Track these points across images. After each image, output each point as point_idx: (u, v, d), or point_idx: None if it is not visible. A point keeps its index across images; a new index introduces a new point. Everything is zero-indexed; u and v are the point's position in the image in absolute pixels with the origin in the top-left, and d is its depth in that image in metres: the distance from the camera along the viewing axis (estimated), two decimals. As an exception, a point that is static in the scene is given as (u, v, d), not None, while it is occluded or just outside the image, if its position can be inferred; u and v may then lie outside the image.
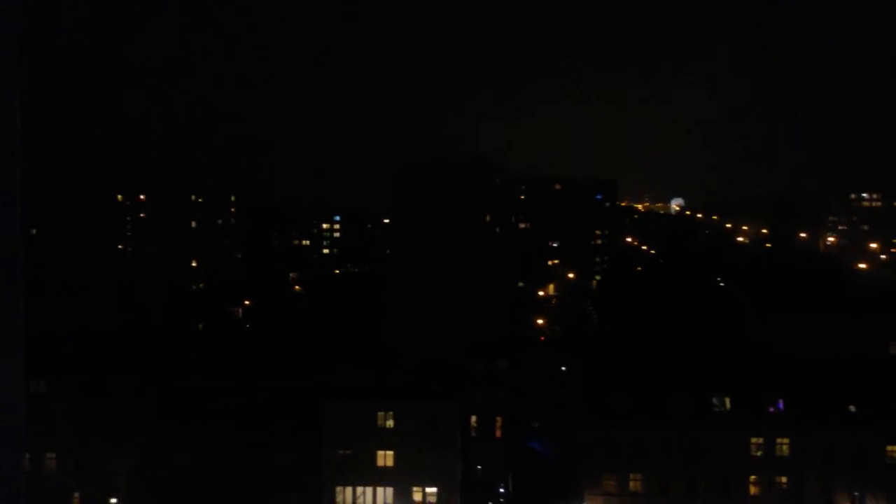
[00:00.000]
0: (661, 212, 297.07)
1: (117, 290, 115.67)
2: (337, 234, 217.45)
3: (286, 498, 65.44)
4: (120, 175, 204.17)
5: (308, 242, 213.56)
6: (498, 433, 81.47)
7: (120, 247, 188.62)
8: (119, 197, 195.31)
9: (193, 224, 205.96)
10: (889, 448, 61.93)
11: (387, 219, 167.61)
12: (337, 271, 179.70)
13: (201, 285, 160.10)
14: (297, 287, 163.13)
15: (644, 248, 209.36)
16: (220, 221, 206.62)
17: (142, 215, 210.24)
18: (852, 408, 62.97)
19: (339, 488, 66.41)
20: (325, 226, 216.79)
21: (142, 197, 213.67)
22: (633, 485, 63.44)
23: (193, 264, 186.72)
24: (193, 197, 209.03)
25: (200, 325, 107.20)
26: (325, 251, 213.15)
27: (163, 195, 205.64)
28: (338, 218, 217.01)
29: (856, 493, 62.05)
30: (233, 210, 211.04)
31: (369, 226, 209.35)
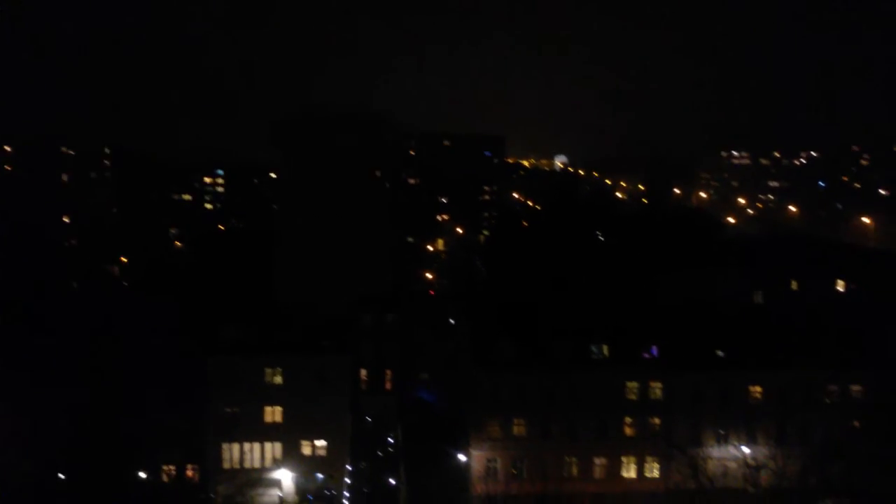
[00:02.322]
0: (546, 168, 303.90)
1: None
2: (221, 189, 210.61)
3: (171, 457, 64.34)
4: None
5: (190, 197, 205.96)
6: (388, 385, 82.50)
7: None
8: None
9: (65, 178, 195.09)
10: (751, 388, 66.87)
11: (273, 173, 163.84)
12: (221, 227, 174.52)
13: (74, 242, 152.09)
14: (178, 243, 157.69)
15: (530, 203, 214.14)
16: (93, 175, 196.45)
17: (7, 168, 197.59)
18: (719, 352, 67.40)
19: (225, 445, 65.82)
20: (207, 180, 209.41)
21: (7, 149, 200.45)
22: (517, 429, 65.94)
23: (66, 220, 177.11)
24: (64, 149, 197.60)
25: (75, 284, 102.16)
26: (208, 206, 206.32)
27: (30, 147, 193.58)
28: (221, 172, 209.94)
29: (721, 431, 66.83)
30: (107, 163, 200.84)
31: (255, 180, 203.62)
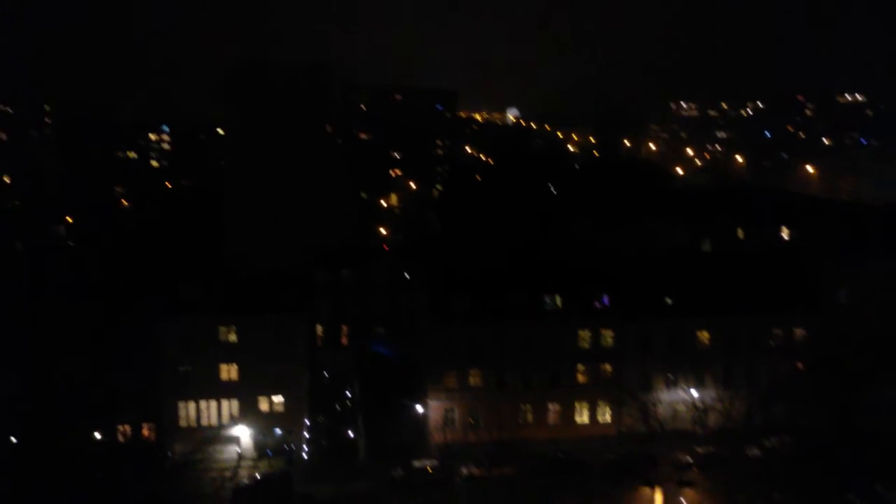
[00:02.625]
0: (499, 122, 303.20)
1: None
2: (167, 147, 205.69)
3: (126, 417, 63.95)
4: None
5: (135, 155, 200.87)
6: (344, 341, 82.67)
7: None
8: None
9: (4, 136, 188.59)
10: (699, 334, 68.80)
11: (221, 129, 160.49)
12: (168, 185, 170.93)
13: (17, 203, 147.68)
14: (125, 202, 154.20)
15: (482, 157, 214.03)
16: (34, 133, 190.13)
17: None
18: (669, 300, 69.03)
19: (181, 404, 65.58)
20: (153, 137, 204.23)
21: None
22: (473, 380, 67.00)
23: (6, 180, 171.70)
24: (2, 107, 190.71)
25: (19, 245, 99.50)
26: (155, 164, 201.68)
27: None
28: (166, 128, 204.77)
29: (670, 376, 68.82)
30: (48, 121, 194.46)
31: (202, 136, 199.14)
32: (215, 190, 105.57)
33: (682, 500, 58.19)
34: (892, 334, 65.13)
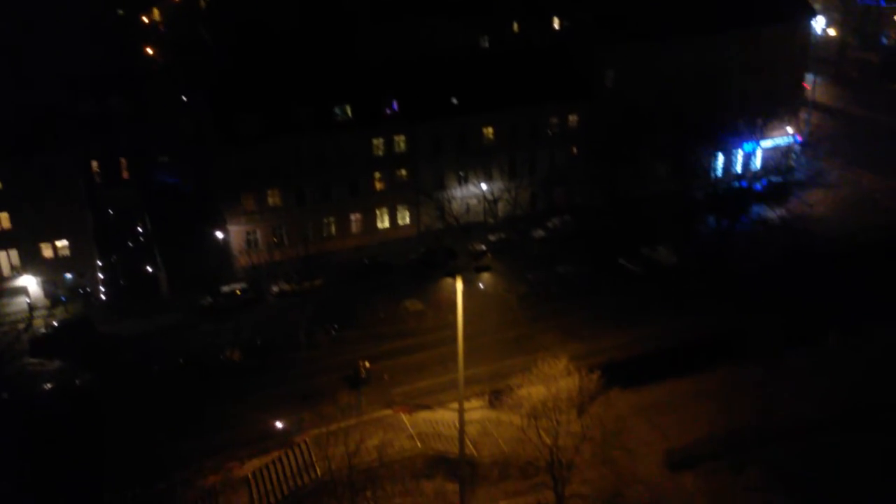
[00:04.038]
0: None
1: None
2: None
3: None
4: None
5: None
6: (125, 175, 77.82)
7: None
8: None
9: None
10: (485, 130, 71.66)
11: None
12: None
13: None
14: None
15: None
16: None
17: None
18: (454, 100, 70.63)
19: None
20: None
21: None
22: (272, 200, 66.33)
23: None
24: None
25: None
26: None
27: None
28: None
29: (461, 174, 71.95)
30: None
31: None
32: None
33: (480, 284, 63.29)
34: (651, 111, 71.67)
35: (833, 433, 46.11)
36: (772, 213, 66.14)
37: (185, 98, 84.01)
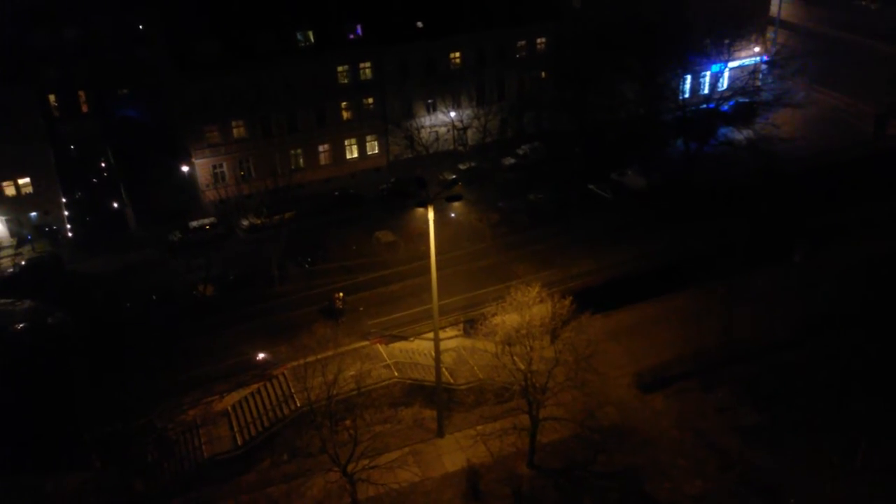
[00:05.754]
0: None
1: None
2: None
3: None
4: None
5: None
6: (84, 108, 75.65)
7: None
8: None
9: None
10: (452, 55, 70.37)
11: None
12: None
13: None
14: None
15: None
16: None
17: None
18: (419, 23, 68.97)
19: None
20: None
21: None
22: (237, 132, 64.99)
23: None
24: None
25: None
26: None
27: None
28: None
29: (429, 101, 70.91)
30: None
31: None
32: None
33: (451, 214, 63.18)
34: (619, 32, 70.69)
35: (800, 349, 47.52)
36: (739, 135, 66.36)
37: (140, 26, 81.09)
